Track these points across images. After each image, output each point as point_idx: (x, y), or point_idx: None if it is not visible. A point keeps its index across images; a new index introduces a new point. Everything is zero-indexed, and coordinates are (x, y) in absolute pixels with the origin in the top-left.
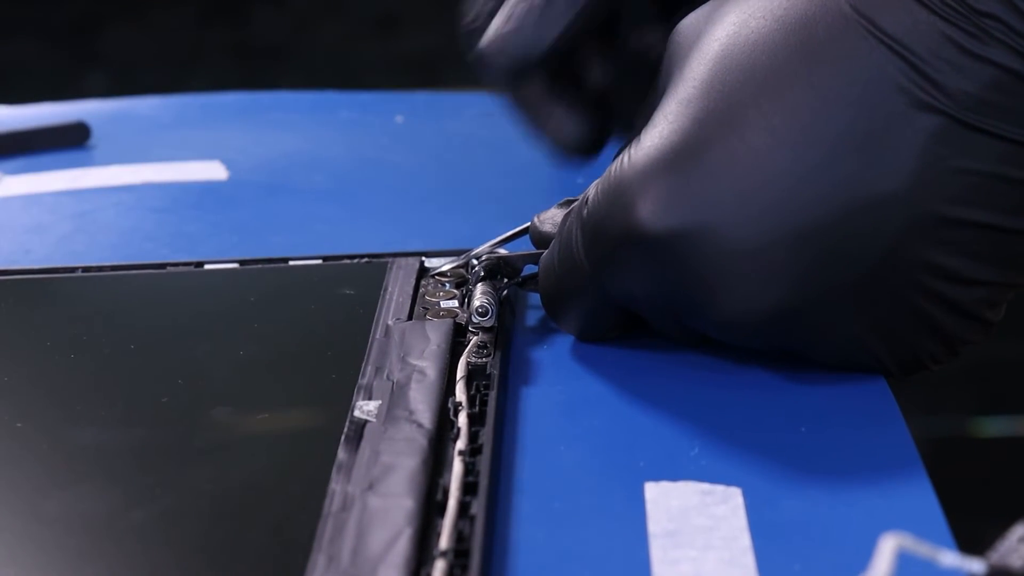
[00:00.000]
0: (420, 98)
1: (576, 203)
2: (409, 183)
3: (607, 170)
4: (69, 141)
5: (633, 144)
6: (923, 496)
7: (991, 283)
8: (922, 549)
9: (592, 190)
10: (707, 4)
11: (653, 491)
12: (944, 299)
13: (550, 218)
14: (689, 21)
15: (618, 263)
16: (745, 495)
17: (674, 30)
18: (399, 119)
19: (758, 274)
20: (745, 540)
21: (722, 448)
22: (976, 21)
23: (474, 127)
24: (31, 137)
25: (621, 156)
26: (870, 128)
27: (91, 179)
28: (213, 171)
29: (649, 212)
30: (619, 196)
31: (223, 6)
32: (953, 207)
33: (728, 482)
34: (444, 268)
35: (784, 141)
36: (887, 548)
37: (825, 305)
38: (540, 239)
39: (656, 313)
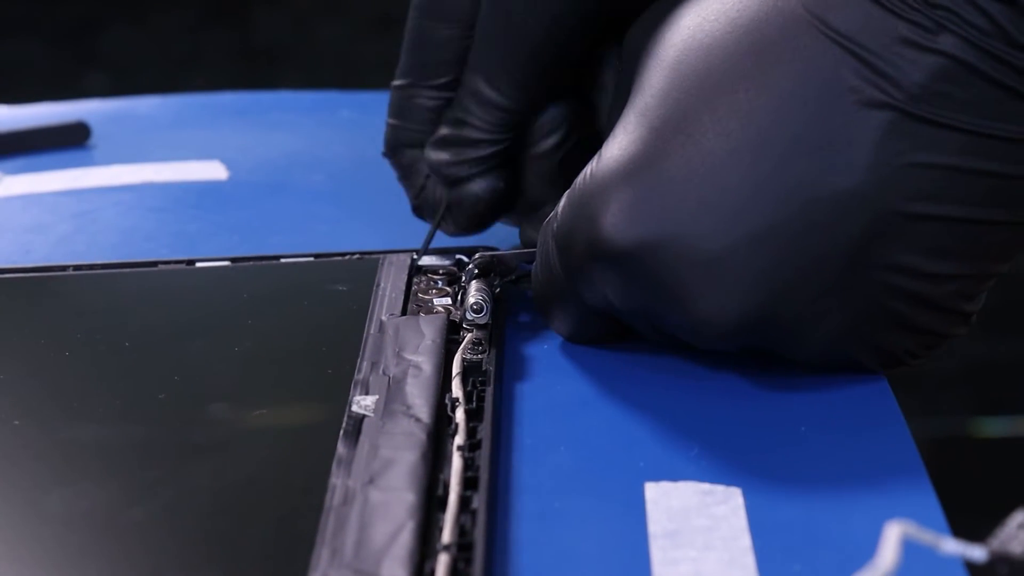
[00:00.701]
0: None
1: (551, 214)
2: None
3: (573, 183)
4: (69, 141)
5: (595, 157)
6: (924, 496)
7: (962, 276)
8: (925, 537)
9: (561, 203)
10: (656, 8)
11: (653, 491)
12: (915, 296)
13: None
14: (641, 28)
15: (589, 276)
16: (745, 495)
17: (628, 36)
18: None
19: (725, 281)
20: (745, 540)
21: (722, 448)
22: (928, 14)
23: None
24: (31, 137)
25: (584, 169)
26: (824, 128)
27: (91, 179)
28: (213, 171)
29: (611, 225)
30: (583, 209)
31: (223, 6)
32: (915, 203)
33: (728, 482)
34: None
35: (741, 145)
36: (892, 535)
37: (795, 307)
38: (530, 242)
39: (635, 320)
